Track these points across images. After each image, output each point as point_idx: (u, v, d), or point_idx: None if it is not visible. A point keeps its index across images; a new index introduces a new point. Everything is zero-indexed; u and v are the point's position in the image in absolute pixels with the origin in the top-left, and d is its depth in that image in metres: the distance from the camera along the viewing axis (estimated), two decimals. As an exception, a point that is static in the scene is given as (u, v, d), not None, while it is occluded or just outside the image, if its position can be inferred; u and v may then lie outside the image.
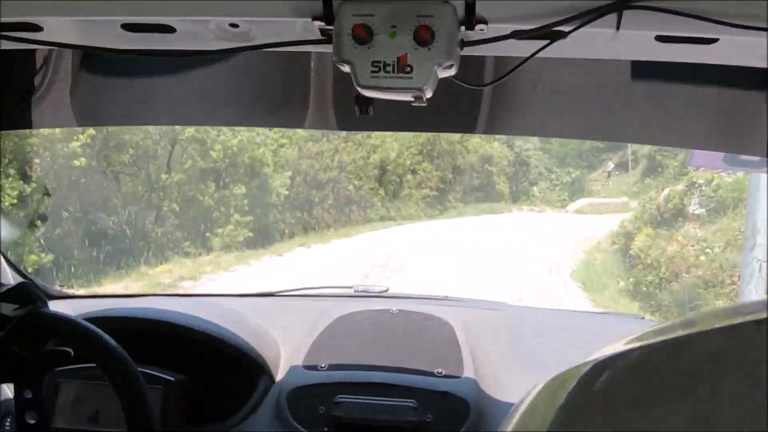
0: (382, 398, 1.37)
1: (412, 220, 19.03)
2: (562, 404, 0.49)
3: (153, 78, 1.52)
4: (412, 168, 20.90)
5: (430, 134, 18.39)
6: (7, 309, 1.07)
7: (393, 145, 19.95)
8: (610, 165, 28.27)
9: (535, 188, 26.26)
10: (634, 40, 0.82)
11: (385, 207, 19.35)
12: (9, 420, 1.45)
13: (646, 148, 26.76)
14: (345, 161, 18.32)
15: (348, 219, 17.56)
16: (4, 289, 1.08)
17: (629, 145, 25.85)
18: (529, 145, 25.86)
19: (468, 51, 0.84)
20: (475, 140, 22.85)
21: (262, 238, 13.84)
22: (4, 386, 1.50)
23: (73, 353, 1.08)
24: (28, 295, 1.09)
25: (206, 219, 13.28)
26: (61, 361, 1.09)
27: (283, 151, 16.65)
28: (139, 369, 1.06)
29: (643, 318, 2.34)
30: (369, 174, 19.09)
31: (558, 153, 28.01)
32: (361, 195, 18.54)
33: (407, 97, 0.83)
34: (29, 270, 6.79)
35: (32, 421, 1.13)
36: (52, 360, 1.10)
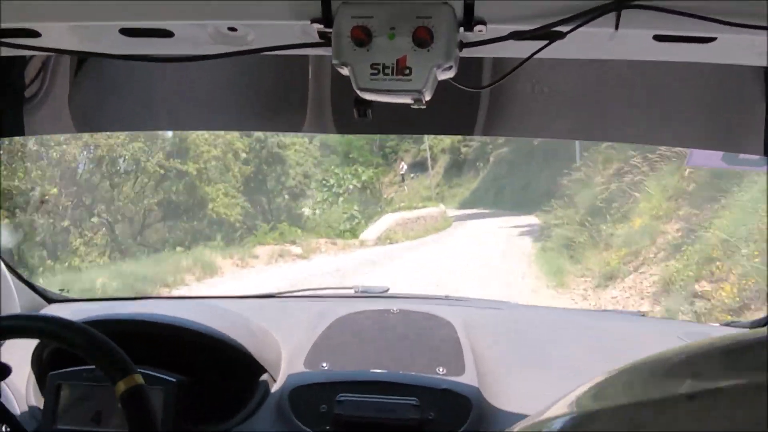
0: (384, 396, 1.37)
1: None
2: None
3: (151, 83, 1.52)
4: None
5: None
6: None
7: None
8: (404, 166, 22.25)
9: (303, 204, 15.42)
10: (633, 39, 0.83)
11: None
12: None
13: (447, 141, 22.19)
14: None
15: None
16: None
17: (425, 139, 20.93)
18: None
19: (467, 52, 0.84)
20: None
21: None
22: (5, 387, 1.50)
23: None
24: None
25: None
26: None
27: None
28: (139, 370, 1.06)
29: (644, 315, 2.34)
30: None
31: (337, 143, 17.69)
32: None
33: (407, 100, 0.83)
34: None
35: None
36: None
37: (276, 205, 15.28)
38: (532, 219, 15.35)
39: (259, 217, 14.33)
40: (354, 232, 13.64)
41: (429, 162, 22.55)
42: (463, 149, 21.96)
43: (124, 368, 1.04)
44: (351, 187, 17.01)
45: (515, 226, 14.63)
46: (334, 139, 17.70)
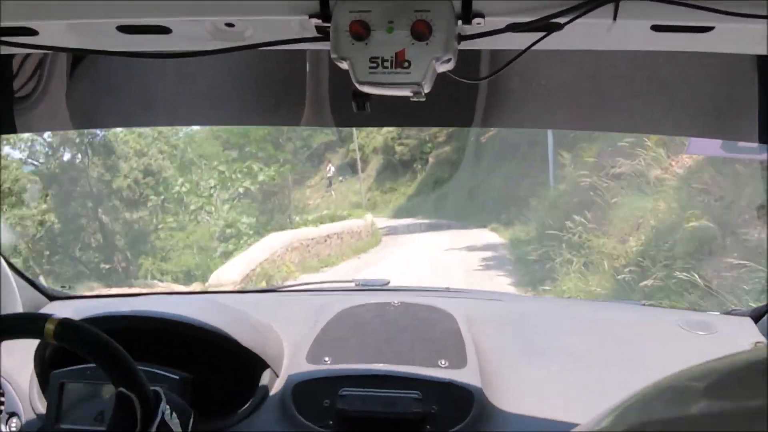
0: (387, 390, 1.38)
1: None
2: None
3: (149, 79, 1.52)
4: None
5: None
6: None
7: None
8: (331, 169, 19.63)
9: (154, 217, 10.40)
10: (630, 30, 0.83)
11: None
12: (15, 420, 1.46)
13: (379, 139, 19.73)
14: None
15: None
16: None
17: (355, 136, 18.85)
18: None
19: (465, 45, 0.84)
20: None
21: None
22: (9, 386, 1.50)
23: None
24: None
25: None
26: None
27: None
28: (141, 368, 1.06)
29: (643, 304, 2.35)
30: None
31: (229, 132, 12.68)
32: None
33: (406, 93, 0.83)
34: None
35: None
36: None
37: (110, 220, 9.77)
38: (488, 235, 11.80)
39: (56, 240, 8.72)
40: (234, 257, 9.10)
41: (359, 163, 19.47)
42: (398, 148, 18.89)
43: (43, 316, 1.03)
44: (242, 190, 12.43)
45: (469, 248, 10.66)
46: (223, 127, 13.09)
